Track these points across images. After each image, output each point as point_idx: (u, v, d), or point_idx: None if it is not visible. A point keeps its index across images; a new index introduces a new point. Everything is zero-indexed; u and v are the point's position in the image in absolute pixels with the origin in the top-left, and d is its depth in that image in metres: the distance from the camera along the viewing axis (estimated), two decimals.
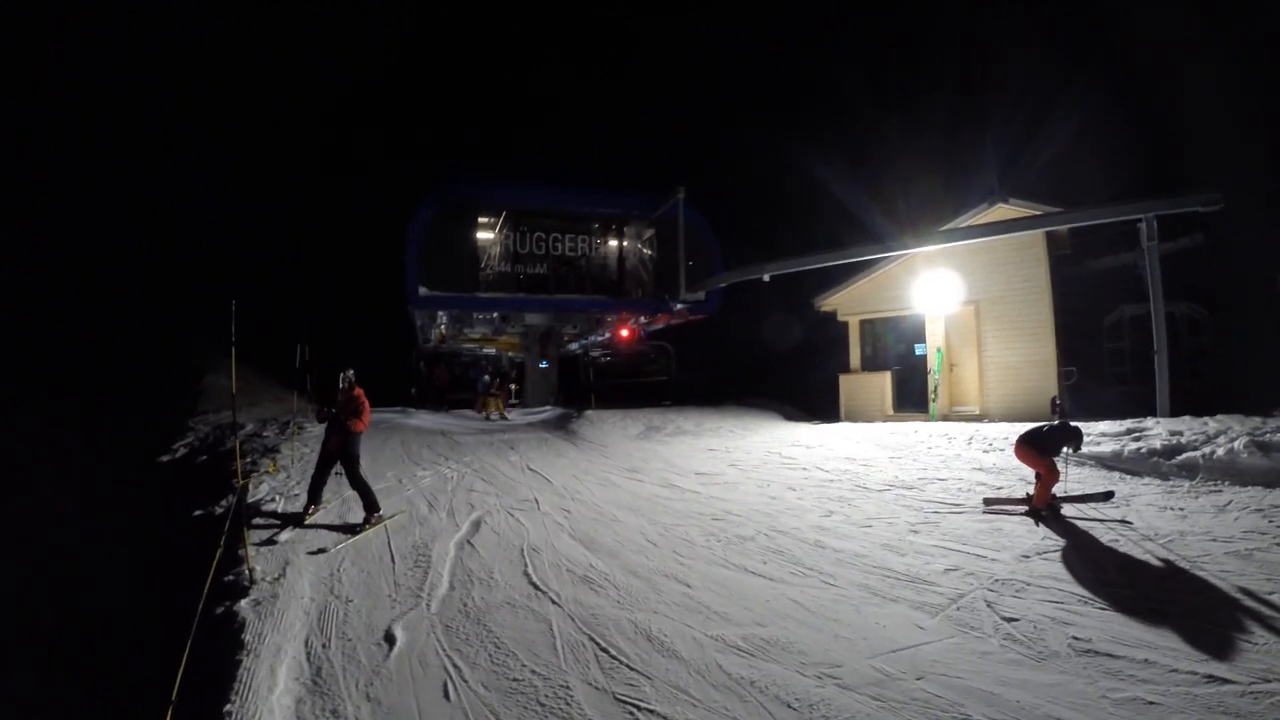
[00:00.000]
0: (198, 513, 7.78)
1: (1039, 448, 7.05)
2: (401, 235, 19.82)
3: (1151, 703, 3.62)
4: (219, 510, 7.58)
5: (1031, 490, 7.27)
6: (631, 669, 4.27)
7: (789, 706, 3.80)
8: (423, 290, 19.49)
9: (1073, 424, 7.19)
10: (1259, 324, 13.59)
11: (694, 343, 26.27)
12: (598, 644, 4.60)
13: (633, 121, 55.98)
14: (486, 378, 20.47)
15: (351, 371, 7.67)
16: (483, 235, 21.66)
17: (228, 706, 3.85)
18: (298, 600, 5.36)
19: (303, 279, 34.73)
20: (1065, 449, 7.01)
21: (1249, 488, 7.10)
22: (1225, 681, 3.75)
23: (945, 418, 13.87)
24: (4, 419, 13.98)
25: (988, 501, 7.46)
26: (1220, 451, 7.89)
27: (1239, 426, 8.61)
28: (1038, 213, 13.02)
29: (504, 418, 18.26)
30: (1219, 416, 9.28)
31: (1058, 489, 7.09)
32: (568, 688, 4.06)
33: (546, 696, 3.97)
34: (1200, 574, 5.22)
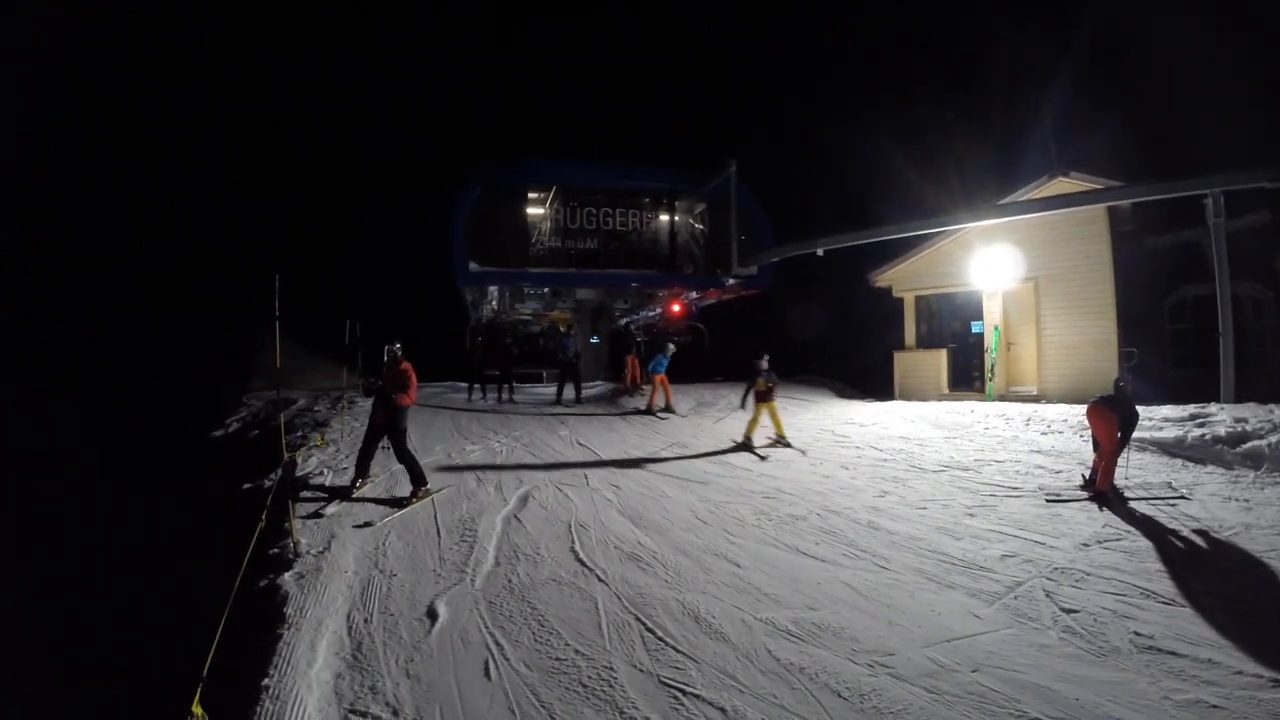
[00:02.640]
0: (246, 486, 7.91)
1: (1116, 413, 6.74)
2: (452, 211, 19.83)
3: (1215, 706, 3.42)
4: (267, 484, 7.67)
5: (1086, 472, 7.05)
6: (678, 651, 4.12)
7: (839, 695, 3.64)
8: (473, 265, 19.54)
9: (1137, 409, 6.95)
10: None
11: (745, 319, 25.85)
12: (644, 624, 4.47)
13: (678, 99, 54.82)
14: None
15: (398, 345, 7.64)
16: (532, 211, 21.53)
17: (265, 680, 3.83)
18: (341, 574, 5.34)
19: (355, 256, 35.34)
20: (1120, 433, 6.73)
21: None
22: None
23: (1002, 398, 13.39)
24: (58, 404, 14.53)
25: (1049, 501, 6.99)
26: None
27: None
28: (1098, 187, 12.35)
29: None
30: None
31: (1124, 484, 6.82)
32: (611, 669, 3.93)
33: (589, 678, 3.85)
34: (1268, 569, 4.92)
